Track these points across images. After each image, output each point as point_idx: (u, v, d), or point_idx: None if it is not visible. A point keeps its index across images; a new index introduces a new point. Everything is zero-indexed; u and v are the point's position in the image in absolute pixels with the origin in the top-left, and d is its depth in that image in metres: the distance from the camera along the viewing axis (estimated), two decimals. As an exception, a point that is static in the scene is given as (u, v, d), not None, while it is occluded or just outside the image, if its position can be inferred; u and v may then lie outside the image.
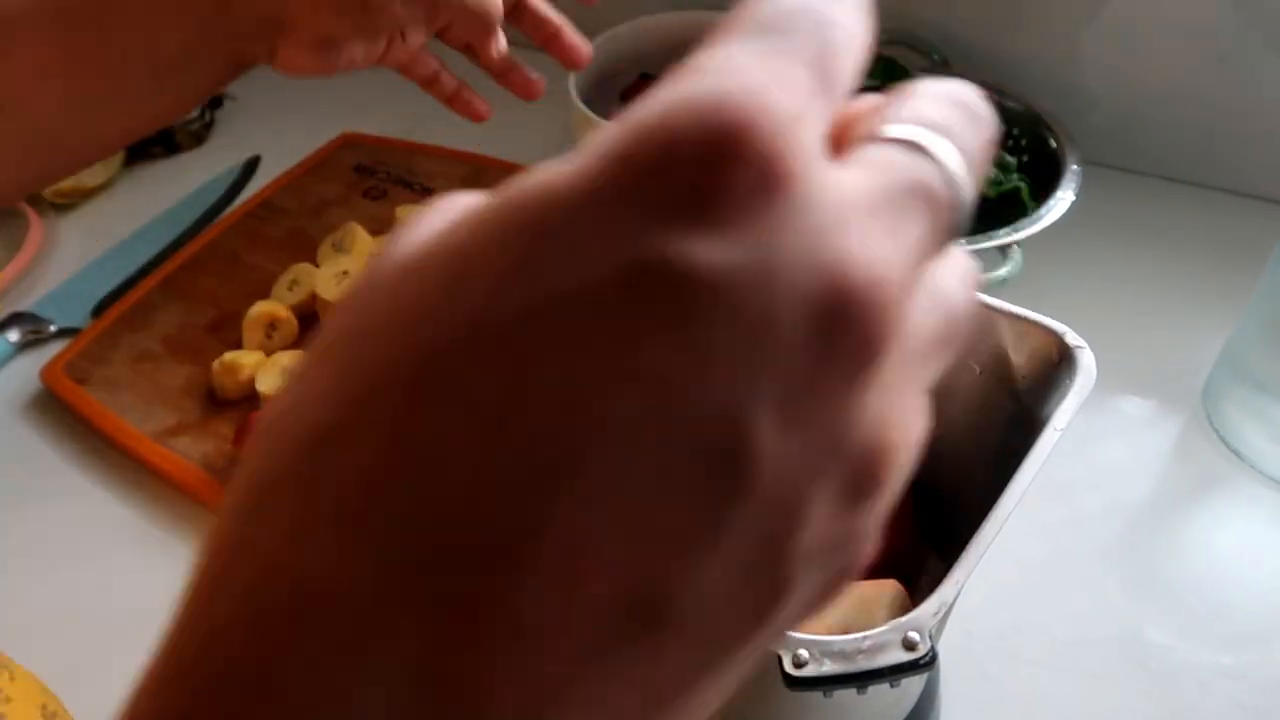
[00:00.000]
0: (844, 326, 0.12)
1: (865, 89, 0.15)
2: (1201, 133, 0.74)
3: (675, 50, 0.84)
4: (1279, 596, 0.54)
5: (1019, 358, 0.38)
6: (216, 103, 0.94)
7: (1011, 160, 0.67)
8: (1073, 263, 0.70)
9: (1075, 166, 0.64)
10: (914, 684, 0.41)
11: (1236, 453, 0.59)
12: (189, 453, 0.61)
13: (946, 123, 0.15)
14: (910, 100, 0.15)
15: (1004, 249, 0.60)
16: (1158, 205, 0.75)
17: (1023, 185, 0.64)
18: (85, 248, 0.81)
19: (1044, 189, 0.64)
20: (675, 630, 0.12)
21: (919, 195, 0.14)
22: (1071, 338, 0.36)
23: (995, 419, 0.39)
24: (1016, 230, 0.60)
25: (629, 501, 0.11)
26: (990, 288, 0.57)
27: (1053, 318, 0.38)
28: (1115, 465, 0.60)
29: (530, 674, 0.11)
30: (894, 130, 0.14)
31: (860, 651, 0.29)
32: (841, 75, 0.14)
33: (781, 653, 0.29)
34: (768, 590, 0.13)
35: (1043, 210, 0.61)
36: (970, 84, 0.16)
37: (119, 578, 0.58)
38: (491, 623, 0.11)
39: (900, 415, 0.14)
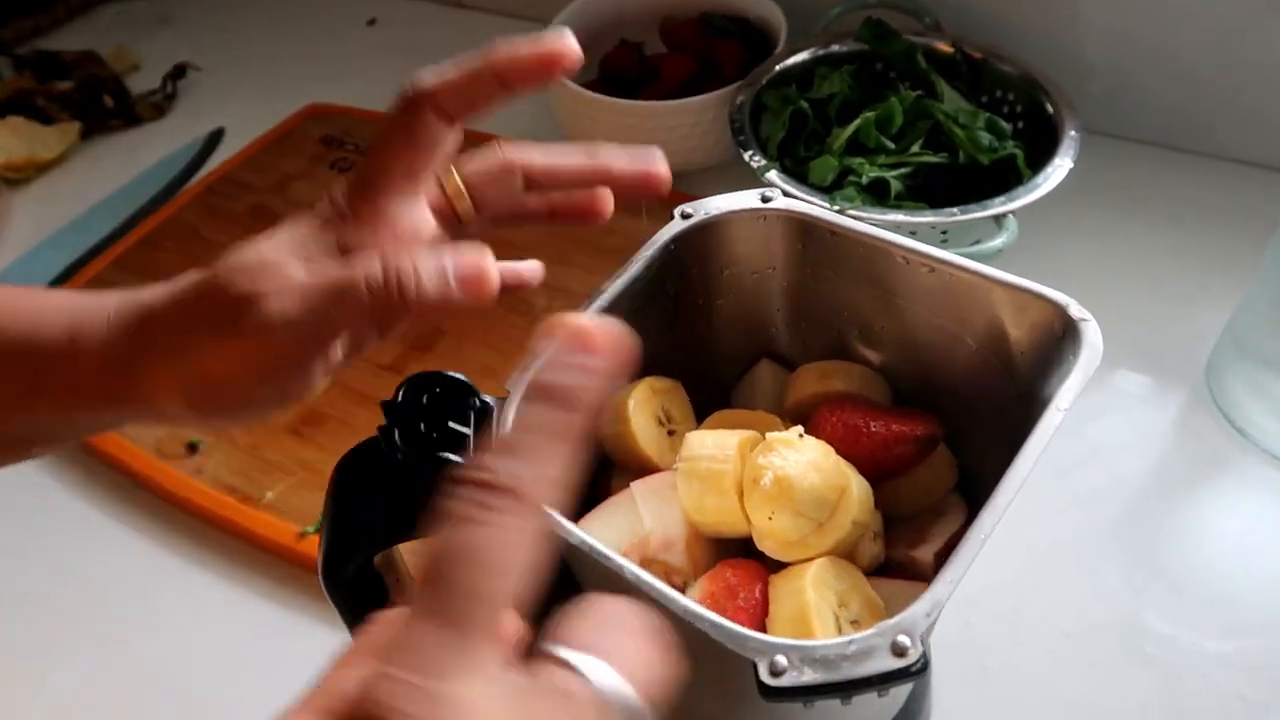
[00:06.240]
0: None
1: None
2: (1205, 100, 0.71)
3: (653, 17, 0.80)
4: (1283, 582, 0.51)
5: (1018, 332, 0.35)
6: (179, 73, 0.90)
7: (1006, 126, 0.63)
8: (1070, 234, 0.67)
9: (1073, 132, 0.61)
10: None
11: (1241, 431, 0.57)
12: (140, 437, 0.58)
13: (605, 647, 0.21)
14: (578, 622, 0.21)
15: (999, 218, 0.57)
16: (1159, 175, 0.72)
17: (1018, 152, 0.61)
18: (39, 224, 0.77)
19: (1041, 156, 0.61)
20: None
21: (559, 698, 0.20)
22: (1076, 310, 0.34)
23: (992, 397, 0.36)
24: (1012, 199, 0.57)
25: None
26: (984, 259, 0.54)
27: (1051, 290, 0.35)
28: (1115, 444, 0.58)
29: None
30: (557, 650, 0.21)
31: (845, 658, 0.26)
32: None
33: (757, 659, 0.26)
34: None
35: (1039, 178, 0.58)
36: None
37: (71, 566, 0.55)
38: None
39: None
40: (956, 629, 0.48)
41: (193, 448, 0.58)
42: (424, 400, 0.32)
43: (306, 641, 0.51)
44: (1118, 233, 0.68)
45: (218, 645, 0.52)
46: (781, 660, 0.26)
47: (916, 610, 0.26)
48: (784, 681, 0.26)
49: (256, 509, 0.54)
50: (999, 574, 0.51)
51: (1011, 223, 0.57)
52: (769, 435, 0.33)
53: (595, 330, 0.20)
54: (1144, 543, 0.53)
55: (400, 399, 0.32)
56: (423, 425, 0.31)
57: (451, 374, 0.33)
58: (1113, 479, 0.56)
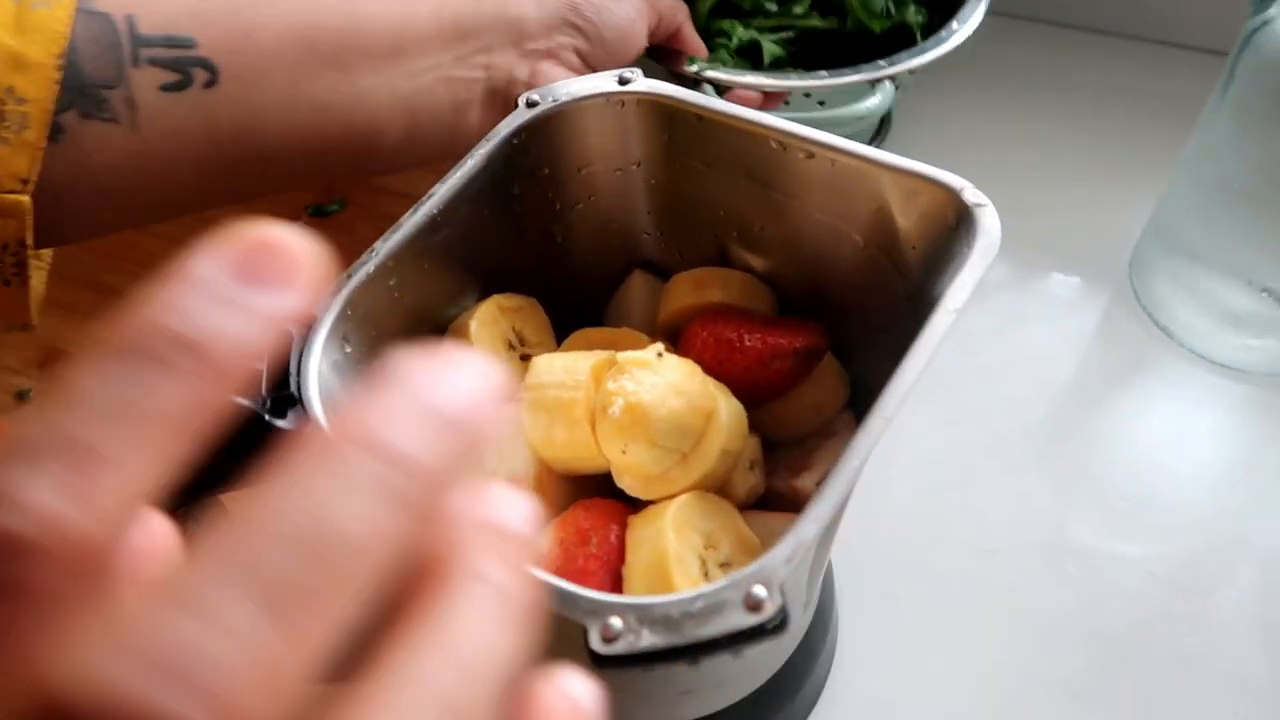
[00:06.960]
0: None
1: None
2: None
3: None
4: (1208, 487, 0.49)
5: (906, 222, 0.30)
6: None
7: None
8: (984, 128, 0.62)
9: (978, -8, 0.55)
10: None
11: (1166, 330, 0.53)
12: (-38, 391, 0.52)
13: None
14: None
15: (876, 85, 0.50)
16: (1077, 58, 0.68)
17: (917, 20, 0.54)
18: None
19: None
20: None
21: None
22: (971, 194, 0.29)
23: (884, 301, 0.32)
24: (893, 64, 0.49)
25: None
26: (856, 123, 0.48)
27: (955, 179, 0.30)
28: (1035, 349, 0.54)
29: None
30: None
31: (690, 616, 0.22)
32: None
33: (589, 622, 0.22)
34: None
35: (929, 43, 0.52)
36: None
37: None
38: None
39: None
40: (865, 554, 0.45)
41: (21, 397, 0.51)
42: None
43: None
44: (1035, 121, 0.64)
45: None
46: (616, 623, 0.22)
47: (775, 555, 0.22)
48: (617, 648, 0.21)
49: (95, 463, 0.49)
50: (912, 492, 0.48)
51: (886, 87, 0.51)
52: (620, 356, 0.29)
53: (281, 244, 0.12)
54: (1067, 452, 0.50)
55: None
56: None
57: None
58: (1035, 386, 0.53)
